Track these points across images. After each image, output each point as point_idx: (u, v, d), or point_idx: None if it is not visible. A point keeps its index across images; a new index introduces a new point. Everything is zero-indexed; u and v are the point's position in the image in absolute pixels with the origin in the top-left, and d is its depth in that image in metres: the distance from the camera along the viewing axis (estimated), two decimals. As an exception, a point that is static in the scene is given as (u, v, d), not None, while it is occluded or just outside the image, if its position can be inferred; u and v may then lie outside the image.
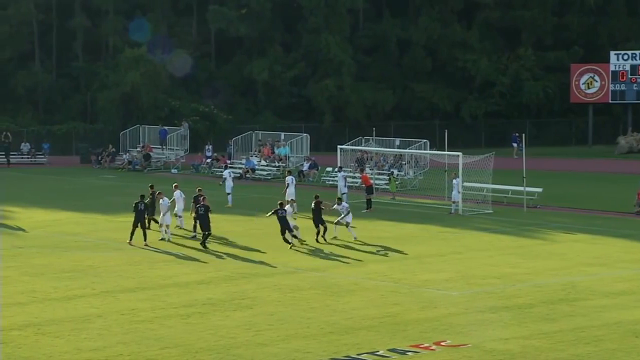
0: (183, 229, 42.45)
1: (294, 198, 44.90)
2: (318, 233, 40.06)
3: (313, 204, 40.37)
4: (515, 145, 78.20)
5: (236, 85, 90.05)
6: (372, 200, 50.41)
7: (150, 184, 44.44)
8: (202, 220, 38.80)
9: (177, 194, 42.69)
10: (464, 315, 27.75)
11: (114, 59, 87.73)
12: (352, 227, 40.90)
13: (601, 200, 54.63)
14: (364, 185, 51.90)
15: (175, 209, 42.38)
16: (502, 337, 25.21)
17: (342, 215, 40.90)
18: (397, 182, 57.55)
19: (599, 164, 76.09)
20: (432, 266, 35.27)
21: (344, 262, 36.11)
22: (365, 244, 39.91)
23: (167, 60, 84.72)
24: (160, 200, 40.15)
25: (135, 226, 39.05)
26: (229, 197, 50.65)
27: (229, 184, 51.36)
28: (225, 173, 53.05)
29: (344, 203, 42.38)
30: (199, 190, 40.90)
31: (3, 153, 77.40)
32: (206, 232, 38.76)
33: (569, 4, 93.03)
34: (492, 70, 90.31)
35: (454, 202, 49.76)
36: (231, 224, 44.92)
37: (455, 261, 36.37)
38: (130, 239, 39.17)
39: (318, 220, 39.95)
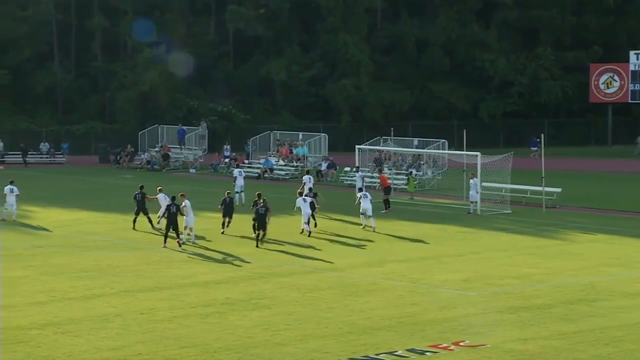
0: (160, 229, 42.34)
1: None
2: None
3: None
4: (534, 149, 77.69)
5: (254, 85, 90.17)
6: (390, 200, 50.33)
7: (140, 185, 44.62)
8: (261, 220, 39.30)
9: (161, 196, 43.16)
10: (482, 316, 27.68)
11: (132, 59, 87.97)
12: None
13: (620, 200, 54.41)
14: (382, 186, 51.80)
15: (159, 211, 42.66)
16: (521, 338, 25.13)
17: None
18: (415, 182, 57.46)
19: (618, 164, 75.80)
20: (450, 266, 35.20)
21: (362, 262, 36.08)
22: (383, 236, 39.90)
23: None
24: (183, 202, 40.27)
25: (137, 215, 42.33)
26: (237, 195, 50.53)
27: (240, 182, 51.48)
28: (236, 172, 53.33)
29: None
30: (259, 194, 40.87)
31: (20, 154, 77.69)
32: (262, 232, 39.26)
33: (587, 3, 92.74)
34: (511, 70, 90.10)
35: (471, 202, 49.67)
36: (248, 223, 44.88)
37: (473, 261, 36.29)
38: (134, 226, 42.32)
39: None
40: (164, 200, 42.82)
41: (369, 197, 44.39)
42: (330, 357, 23.49)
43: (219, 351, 23.89)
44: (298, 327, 26.15)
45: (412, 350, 23.91)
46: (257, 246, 38.80)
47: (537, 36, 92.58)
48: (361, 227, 43.67)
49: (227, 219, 42.12)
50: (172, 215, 38.49)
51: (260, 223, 39.34)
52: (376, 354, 23.56)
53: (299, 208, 42.25)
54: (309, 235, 41.28)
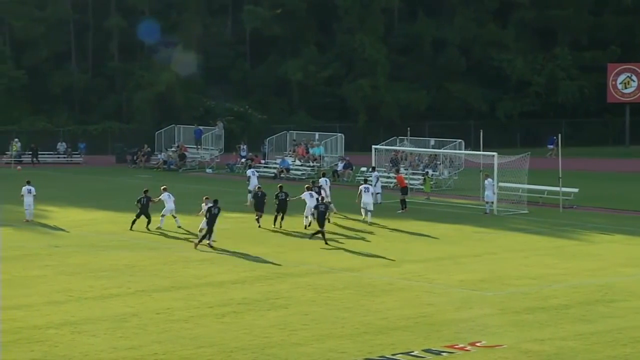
0: (161, 228, 42.92)
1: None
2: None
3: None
4: (551, 147, 77.52)
5: (270, 85, 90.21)
6: (407, 200, 50.28)
7: (144, 189, 44.63)
8: (321, 217, 40.12)
9: (165, 195, 43.38)
10: (499, 316, 27.62)
11: (149, 59, 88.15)
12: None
13: (638, 200, 54.17)
14: (399, 187, 51.74)
15: (163, 209, 43.16)
16: (538, 338, 25.07)
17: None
18: (431, 182, 57.38)
19: (636, 164, 75.46)
20: (467, 266, 35.14)
21: (378, 262, 36.06)
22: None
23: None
24: (203, 204, 40.41)
25: (137, 217, 42.76)
26: (250, 195, 50.32)
27: (254, 182, 51.29)
28: (249, 172, 53.42)
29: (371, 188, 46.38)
30: (280, 186, 44.48)
31: (30, 153, 77.84)
32: (322, 229, 39.94)
33: (605, 3, 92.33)
34: (528, 70, 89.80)
35: (487, 203, 49.54)
36: (264, 223, 44.96)
37: (490, 261, 36.22)
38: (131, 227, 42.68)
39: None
40: (168, 199, 43.13)
41: (371, 190, 46.07)
42: (346, 357, 23.48)
43: (236, 351, 23.92)
44: (314, 327, 26.16)
45: (428, 351, 23.88)
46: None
47: (554, 36, 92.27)
48: (362, 220, 45.10)
49: (259, 214, 43.82)
50: (213, 217, 38.88)
51: (280, 207, 42.81)
52: (392, 354, 23.54)
53: (303, 201, 43.50)
54: (305, 228, 42.75)
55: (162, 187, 44.39)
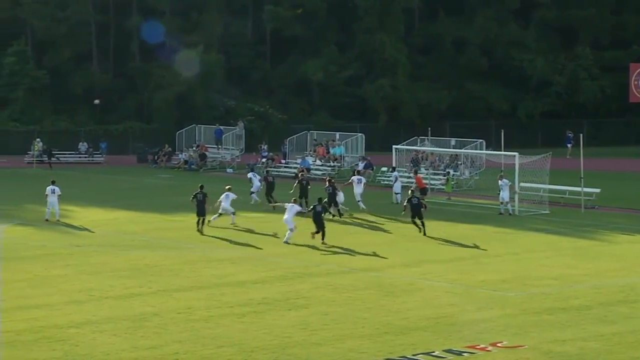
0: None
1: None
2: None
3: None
4: (569, 145, 77.24)
5: (291, 85, 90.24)
6: (427, 200, 50.11)
7: (200, 184, 44.73)
8: (317, 217, 40.13)
9: (223, 196, 44.16)
10: (520, 317, 27.53)
11: (169, 59, 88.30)
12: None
13: (660, 201, 53.90)
14: (418, 187, 51.59)
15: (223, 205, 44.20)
16: (559, 339, 24.98)
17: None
18: (453, 182, 57.24)
19: (658, 164, 75.08)
20: (488, 267, 35.04)
21: (399, 262, 36.00)
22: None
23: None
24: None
25: (198, 216, 42.40)
26: (253, 195, 51.40)
27: (256, 184, 51.93)
28: (250, 175, 53.64)
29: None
30: (329, 179, 47.65)
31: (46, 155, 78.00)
32: (321, 230, 39.91)
33: (626, 2, 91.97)
34: (549, 69, 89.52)
35: (502, 203, 49.29)
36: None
37: (511, 262, 36.12)
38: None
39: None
40: (225, 198, 43.77)
41: (364, 181, 49.55)
42: (366, 357, 23.46)
43: (256, 350, 23.93)
44: (335, 327, 26.14)
45: (449, 351, 23.83)
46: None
47: (575, 36, 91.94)
48: (361, 210, 47.77)
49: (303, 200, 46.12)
50: (200, 203, 41.67)
51: (200, 209, 42.18)
52: (413, 355, 23.50)
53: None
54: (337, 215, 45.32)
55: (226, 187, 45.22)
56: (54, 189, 45.73)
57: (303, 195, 47.14)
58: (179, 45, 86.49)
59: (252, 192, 51.83)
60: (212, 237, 41.15)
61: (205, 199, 42.64)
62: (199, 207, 42.39)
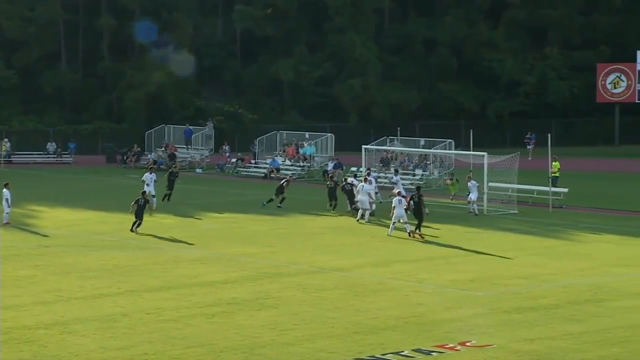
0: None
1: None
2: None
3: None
4: (529, 148, 77.22)
5: (262, 85, 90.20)
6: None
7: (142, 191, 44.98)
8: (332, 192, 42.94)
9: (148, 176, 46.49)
10: (489, 316, 27.64)
11: (140, 59, 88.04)
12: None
13: (628, 200, 54.31)
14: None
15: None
16: (528, 338, 25.09)
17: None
18: (457, 184, 54.96)
19: (626, 164, 75.66)
20: (457, 266, 35.16)
21: (369, 261, 36.06)
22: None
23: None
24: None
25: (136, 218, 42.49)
26: (154, 199, 48.96)
27: (150, 188, 48.91)
28: (146, 177, 50.43)
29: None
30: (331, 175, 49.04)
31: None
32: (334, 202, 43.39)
33: (595, 3, 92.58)
34: (518, 69, 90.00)
35: (469, 202, 49.40)
36: (255, 223, 44.96)
37: (480, 261, 36.26)
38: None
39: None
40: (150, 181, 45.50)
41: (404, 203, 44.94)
42: (336, 357, 23.48)
43: (225, 351, 23.90)
44: (305, 327, 26.14)
45: (418, 350, 23.88)
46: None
47: (545, 36, 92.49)
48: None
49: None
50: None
51: (138, 213, 42.26)
52: (382, 354, 23.54)
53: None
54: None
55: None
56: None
57: (332, 197, 48.67)
58: (150, 45, 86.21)
59: (154, 196, 48.68)
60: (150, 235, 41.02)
61: (146, 205, 42.99)
62: (138, 211, 42.45)
